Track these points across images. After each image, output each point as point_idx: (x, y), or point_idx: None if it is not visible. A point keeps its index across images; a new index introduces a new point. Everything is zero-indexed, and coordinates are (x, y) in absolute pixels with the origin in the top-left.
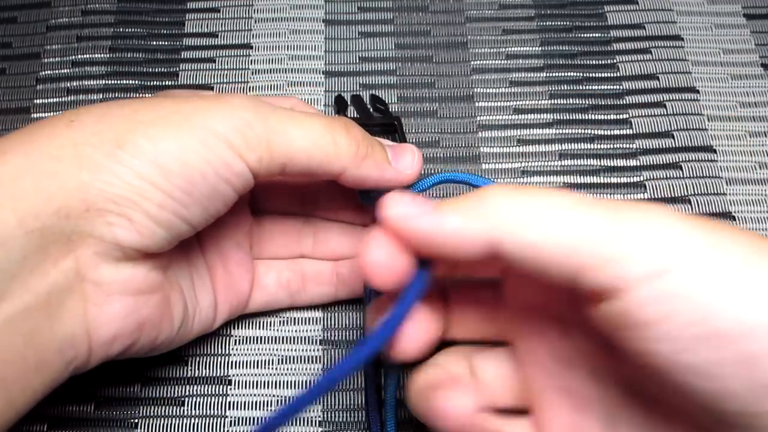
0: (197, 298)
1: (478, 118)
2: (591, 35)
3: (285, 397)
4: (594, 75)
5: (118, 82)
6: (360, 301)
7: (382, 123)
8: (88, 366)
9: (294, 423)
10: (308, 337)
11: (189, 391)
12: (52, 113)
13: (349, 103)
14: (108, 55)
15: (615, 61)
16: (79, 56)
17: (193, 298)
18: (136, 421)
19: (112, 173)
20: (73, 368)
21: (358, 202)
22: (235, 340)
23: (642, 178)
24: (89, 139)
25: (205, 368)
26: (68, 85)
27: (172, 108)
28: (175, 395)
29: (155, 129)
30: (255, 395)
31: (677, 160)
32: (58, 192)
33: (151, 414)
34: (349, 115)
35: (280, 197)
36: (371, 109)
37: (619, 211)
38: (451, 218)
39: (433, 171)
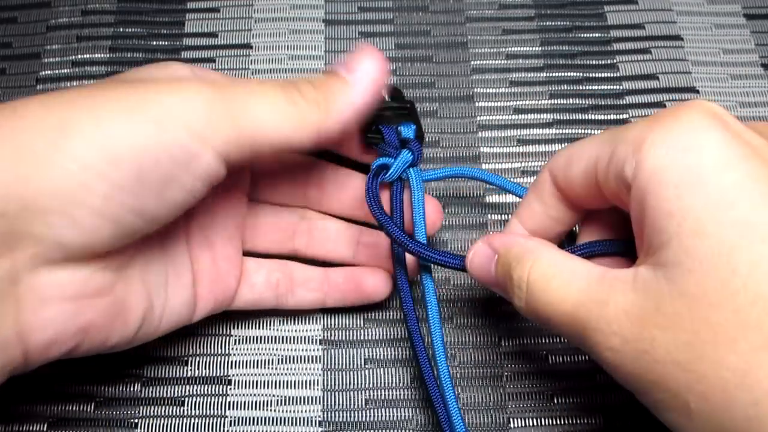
0: (168, 294)
1: (478, 118)
2: (591, 35)
3: (285, 396)
4: (594, 75)
5: None
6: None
7: (396, 107)
8: (28, 368)
9: (294, 423)
10: (308, 337)
11: (189, 391)
12: None
13: None
14: (108, 55)
15: (615, 61)
16: (79, 56)
17: (162, 295)
18: (136, 421)
19: (53, 163)
20: (10, 371)
21: (356, 196)
22: (235, 340)
23: None
24: (31, 125)
25: (205, 368)
26: (68, 85)
27: (126, 89)
28: (175, 395)
29: (104, 111)
30: (255, 395)
31: None
32: None
33: (151, 414)
34: None
35: (280, 186)
36: (387, 97)
37: None
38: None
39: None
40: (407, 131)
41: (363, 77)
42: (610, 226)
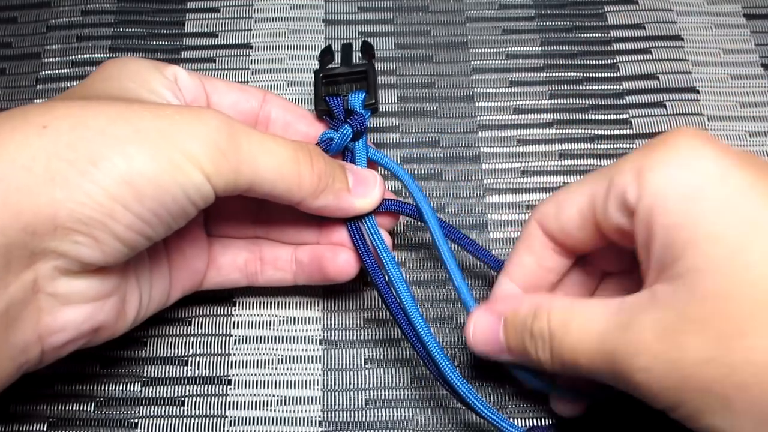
0: (152, 285)
1: (478, 118)
2: (591, 35)
3: (285, 396)
4: (594, 75)
5: None
6: (359, 295)
7: (349, 72)
8: (41, 365)
9: (294, 423)
10: (308, 336)
11: (189, 391)
12: None
13: (335, 50)
14: (108, 55)
15: (615, 61)
16: (79, 56)
17: (147, 287)
18: (136, 421)
19: (85, 193)
20: (24, 370)
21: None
22: (235, 340)
23: None
24: (63, 151)
25: (205, 368)
26: (68, 85)
27: (149, 123)
28: (175, 395)
29: (131, 146)
30: (255, 395)
31: None
32: (27, 208)
33: (151, 414)
34: (335, 62)
35: None
36: (360, 56)
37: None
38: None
39: (433, 171)
40: (355, 100)
41: (358, 196)
42: (598, 271)
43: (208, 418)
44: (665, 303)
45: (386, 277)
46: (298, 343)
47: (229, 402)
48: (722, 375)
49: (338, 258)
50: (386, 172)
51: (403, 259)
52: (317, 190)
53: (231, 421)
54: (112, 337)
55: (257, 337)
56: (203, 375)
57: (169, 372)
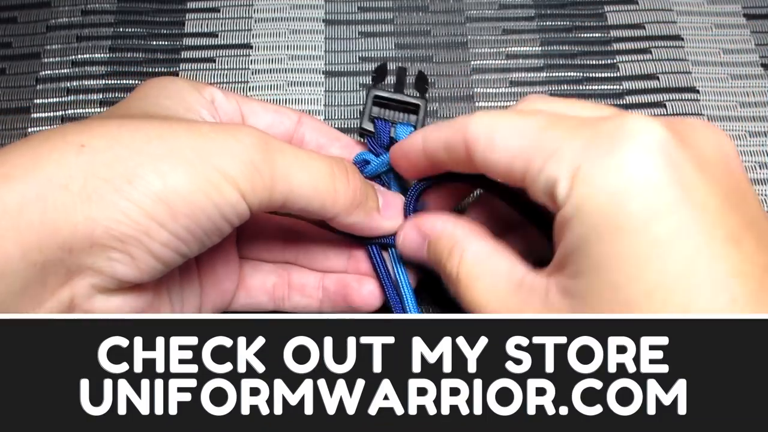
0: (183, 302)
1: None
2: (591, 35)
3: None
4: (594, 75)
5: (118, 82)
6: None
7: (403, 102)
8: None
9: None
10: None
11: None
12: (52, 113)
13: (388, 72)
14: (108, 55)
15: (615, 61)
16: (79, 56)
17: (180, 304)
18: None
19: (121, 210)
20: None
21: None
22: None
23: None
24: (100, 170)
25: None
26: (68, 85)
27: (185, 142)
28: None
29: (165, 164)
30: None
31: None
32: (64, 225)
33: None
34: (386, 82)
35: None
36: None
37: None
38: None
39: None
40: (402, 132)
41: (387, 222)
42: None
43: None
44: (551, 309)
45: (404, 308)
46: None
47: None
48: None
49: (363, 288)
50: None
51: None
52: (351, 206)
53: None
54: None
55: None
56: None
57: None
